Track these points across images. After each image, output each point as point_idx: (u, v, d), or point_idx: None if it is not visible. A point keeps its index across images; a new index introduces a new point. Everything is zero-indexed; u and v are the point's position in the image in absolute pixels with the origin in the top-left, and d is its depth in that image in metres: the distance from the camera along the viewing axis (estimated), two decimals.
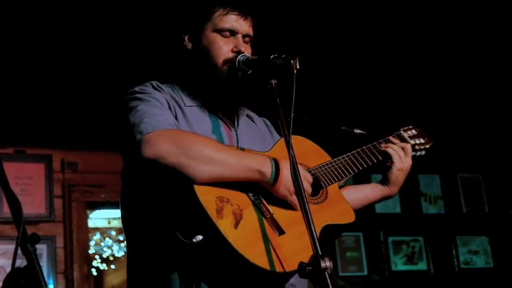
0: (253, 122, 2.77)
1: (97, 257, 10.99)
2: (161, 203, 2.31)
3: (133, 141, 2.29)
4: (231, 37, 2.57)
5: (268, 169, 2.33)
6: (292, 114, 2.21)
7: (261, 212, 2.32)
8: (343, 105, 6.29)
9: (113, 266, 11.30)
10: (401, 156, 2.80)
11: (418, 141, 2.96)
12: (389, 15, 5.39)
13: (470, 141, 7.26)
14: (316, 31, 5.45)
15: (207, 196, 2.24)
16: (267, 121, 2.88)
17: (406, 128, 2.98)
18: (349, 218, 2.54)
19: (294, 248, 2.27)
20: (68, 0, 4.73)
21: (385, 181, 2.83)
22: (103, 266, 11.22)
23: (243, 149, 2.48)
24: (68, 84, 5.60)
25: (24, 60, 5.28)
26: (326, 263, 1.92)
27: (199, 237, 2.17)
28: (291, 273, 2.22)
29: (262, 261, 2.17)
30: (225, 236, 2.16)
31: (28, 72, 5.43)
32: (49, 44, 5.15)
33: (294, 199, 2.34)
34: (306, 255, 2.16)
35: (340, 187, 2.74)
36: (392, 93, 6.49)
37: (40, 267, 2.06)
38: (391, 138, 2.88)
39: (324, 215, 2.45)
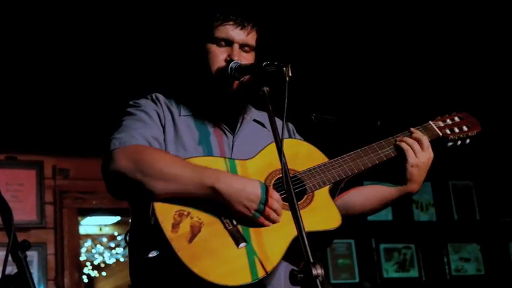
0: (264, 126, 2.74)
1: (88, 264, 10.95)
2: (134, 218, 2.39)
3: (104, 155, 2.38)
4: (226, 47, 2.58)
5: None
6: (284, 121, 2.21)
7: (223, 224, 2.30)
8: (362, 102, 6.24)
9: (104, 273, 11.26)
10: (416, 150, 2.64)
11: (456, 130, 2.77)
12: (390, 19, 5.39)
13: (461, 149, 7.27)
14: (332, 32, 5.44)
15: (165, 210, 2.26)
16: (290, 125, 2.84)
17: (444, 116, 2.81)
18: (331, 224, 2.43)
19: (259, 257, 2.25)
20: (64, 8, 4.71)
21: (401, 180, 2.68)
22: (94, 273, 11.17)
23: (233, 162, 2.45)
24: (60, 90, 5.58)
25: (15, 66, 5.27)
26: (318, 271, 1.91)
27: (155, 253, 2.21)
28: (250, 285, 2.19)
29: (213, 276, 2.16)
30: (175, 250, 2.18)
31: (20, 78, 5.41)
32: (41, 49, 5.14)
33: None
34: (266, 265, 2.19)
35: (351, 187, 2.69)
36: (386, 98, 6.48)
37: (31, 274, 2.06)
38: (411, 129, 2.71)
39: (304, 221, 2.38)
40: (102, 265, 11.02)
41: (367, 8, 5.24)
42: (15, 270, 2.07)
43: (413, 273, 7.27)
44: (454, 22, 5.53)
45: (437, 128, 2.76)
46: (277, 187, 2.43)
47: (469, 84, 6.44)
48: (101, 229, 10.49)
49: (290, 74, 2.27)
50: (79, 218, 6.67)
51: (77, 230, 6.35)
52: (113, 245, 10.80)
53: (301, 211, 2.38)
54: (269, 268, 2.24)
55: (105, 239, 10.82)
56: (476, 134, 2.79)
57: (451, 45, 5.88)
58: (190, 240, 2.22)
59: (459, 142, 2.79)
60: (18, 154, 5.92)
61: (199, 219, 2.28)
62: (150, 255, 2.21)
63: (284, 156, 2.16)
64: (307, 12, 5.17)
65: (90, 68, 5.38)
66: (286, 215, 2.29)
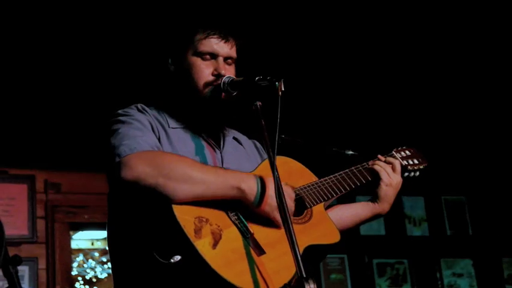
0: (241, 144, 2.78)
1: (80, 278, 10.89)
2: (142, 224, 2.32)
3: (113, 163, 2.32)
4: (211, 60, 2.60)
5: (248, 186, 2.33)
6: (278, 136, 2.23)
7: (241, 232, 2.32)
8: (334, 128, 6.31)
9: None
10: (388, 172, 2.80)
11: (411, 162, 2.96)
12: (378, 35, 5.43)
13: (454, 163, 7.29)
14: (305, 52, 5.48)
15: (185, 216, 2.25)
16: (258, 143, 2.89)
17: (399, 148, 3.00)
18: (333, 238, 2.52)
19: (273, 268, 2.27)
20: (54, 20, 4.72)
21: (375, 198, 2.82)
22: None
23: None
24: (52, 104, 5.58)
25: (6, 80, 5.27)
26: (310, 285, 1.92)
27: (178, 258, 2.17)
28: None
29: (240, 281, 2.17)
30: (203, 255, 2.17)
31: (11, 92, 5.41)
32: (32, 64, 5.15)
33: (277, 216, 2.32)
34: (285, 275, 2.19)
35: (329, 207, 2.75)
36: (379, 116, 6.52)
37: None
38: (379, 156, 2.89)
39: (307, 235, 2.45)
40: (94, 280, 10.96)
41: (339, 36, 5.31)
42: (6, 285, 2.06)
43: None
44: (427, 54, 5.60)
45: (400, 158, 2.95)
46: None
47: (459, 103, 6.48)
48: (92, 243, 10.46)
49: (283, 89, 2.28)
50: (71, 233, 6.65)
51: (69, 244, 6.32)
52: (105, 259, 10.75)
53: (303, 225, 2.51)
54: (286, 277, 2.26)
55: (97, 254, 10.78)
56: (425, 168, 3.01)
57: (434, 69, 5.94)
58: (214, 246, 2.22)
59: (412, 174, 2.98)
60: (10, 168, 5.90)
61: (218, 226, 2.29)
62: (172, 260, 2.17)
63: (277, 172, 2.18)
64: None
65: (83, 81, 5.39)
66: (294, 227, 2.34)
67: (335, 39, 5.40)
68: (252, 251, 2.29)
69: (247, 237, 2.31)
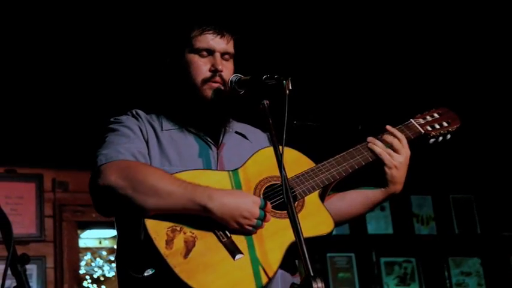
0: (246, 138, 2.75)
1: (88, 277, 10.91)
2: (123, 236, 2.40)
3: (92, 171, 2.39)
4: (208, 56, 2.59)
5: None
6: (286, 134, 2.22)
7: (217, 237, 2.30)
8: (346, 107, 6.24)
9: (103, 287, 11.22)
10: (389, 153, 2.62)
11: (437, 126, 2.77)
12: (389, 23, 5.40)
13: (462, 162, 7.27)
14: (316, 33, 5.45)
15: (157, 227, 2.25)
16: (267, 134, 2.84)
17: (423, 113, 2.81)
18: (323, 229, 2.42)
19: (254, 269, 2.24)
20: (54, 21, 4.74)
21: (383, 182, 2.67)
22: (93, 287, 11.13)
23: (236, 174, 2.46)
24: (59, 103, 5.59)
25: (13, 79, 5.28)
26: (318, 284, 1.91)
27: (150, 271, 2.19)
28: None
29: None
30: (172, 267, 2.17)
31: (19, 91, 5.42)
32: (40, 63, 5.15)
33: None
34: (265, 276, 2.19)
35: (334, 193, 2.69)
36: (365, 99, 6.46)
37: (30, 287, 2.05)
38: (387, 127, 2.71)
39: None
40: (102, 278, 10.97)
41: (347, 20, 5.27)
42: (15, 284, 2.07)
43: (414, 287, 7.25)
44: (436, 27, 5.54)
45: (419, 125, 2.77)
46: (267, 196, 2.44)
47: (466, 101, 6.44)
48: (100, 242, 10.48)
49: (290, 87, 2.27)
50: (78, 231, 6.66)
51: (77, 243, 6.34)
52: (112, 258, 10.76)
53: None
54: (265, 278, 2.23)
55: (104, 252, 10.79)
56: (456, 129, 2.80)
57: (442, 64, 5.90)
58: (186, 255, 2.22)
59: (440, 138, 2.78)
60: (18, 167, 5.92)
61: (193, 233, 2.28)
62: (146, 273, 2.18)
63: (285, 171, 2.18)
64: (287, 22, 5.19)
65: (89, 81, 5.40)
66: (280, 223, 2.33)
67: (345, 19, 5.36)
68: (229, 255, 2.26)
69: (223, 241, 2.29)
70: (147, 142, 2.52)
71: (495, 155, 7.33)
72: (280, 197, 2.42)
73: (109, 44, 5.04)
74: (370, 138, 2.68)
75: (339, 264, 7.00)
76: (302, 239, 2.03)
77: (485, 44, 5.73)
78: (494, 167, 7.48)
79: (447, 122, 2.81)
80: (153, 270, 2.19)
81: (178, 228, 2.27)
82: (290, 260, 2.38)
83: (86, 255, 10.62)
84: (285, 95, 2.26)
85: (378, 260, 7.17)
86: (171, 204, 2.27)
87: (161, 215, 2.28)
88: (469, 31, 5.56)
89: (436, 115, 2.82)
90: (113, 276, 10.83)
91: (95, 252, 10.77)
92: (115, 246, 2.46)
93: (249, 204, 2.30)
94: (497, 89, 6.42)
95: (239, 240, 2.30)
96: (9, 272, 2.06)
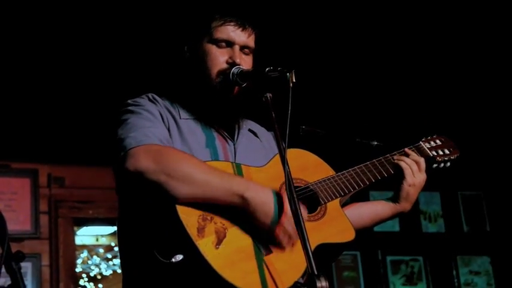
0: (257, 137, 2.77)
1: (84, 275, 10.93)
2: (147, 221, 2.33)
3: (119, 155, 2.33)
4: (227, 48, 2.58)
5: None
6: (289, 129, 2.22)
7: (247, 231, 2.32)
8: (357, 118, 6.29)
9: (100, 286, 11.23)
10: (414, 170, 2.75)
11: (441, 152, 2.90)
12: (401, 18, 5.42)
13: (471, 157, 7.26)
14: (326, 41, 5.47)
15: (188, 214, 2.25)
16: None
17: (428, 138, 2.94)
18: (347, 236, 2.50)
19: (282, 267, 2.27)
20: (58, 11, 4.72)
21: (396, 198, 2.79)
22: (90, 286, 11.15)
23: (239, 168, 2.47)
24: (55, 96, 5.59)
25: (8, 72, 5.28)
26: (322, 283, 1.92)
27: (179, 257, 2.19)
28: None
29: (243, 283, 2.17)
30: (204, 255, 2.18)
31: (13, 84, 5.42)
32: (35, 55, 5.15)
33: (292, 232, 2.30)
34: (293, 274, 2.19)
35: (345, 204, 2.72)
36: (398, 106, 6.50)
37: (25, 286, 2.06)
38: (406, 150, 2.83)
39: (320, 233, 2.43)
40: (99, 277, 10.99)
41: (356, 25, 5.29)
42: (9, 282, 2.07)
43: (421, 286, 7.26)
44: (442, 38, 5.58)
45: (427, 148, 2.89)
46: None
47: (475, 95, 6.46)
48: (97, 239, 10.49)
49: (294, 80, 2.27)
50: (75, 228, 6.67)
51: (73, 240, 6.35)
52: (110, 256, 10.78)
53: (316, 222, 2.48)
54: (292, 278, 2.26)
55: (101, 250, 10.81)
56: (456, 158, 2.93)
57: (449, 60, 5.92)
58: (217, 245, 2.23)
59: (442, 165, 2.92)
60: (12, 162, 5.92)
61: (223, 224, 2.29)
62: (174, 259, 2.18)
63: (288, 165, 2.18)
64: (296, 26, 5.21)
65: (86, 72, 5.39)
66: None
67: (356, 24, 5.38)
68: (259, 250, 2.29)
69: (253, 235, 2.31)
70: (168, 129, 2.50)
71: (505, 150, 7.32)
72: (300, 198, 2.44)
73: (112, 35, 5.03)
74: (405, 150, 2.82)
75: (343, 263, 7.00)
76: (306, 236, 2.03)
77: (494, 43, 5.74)
78: (505, 163, 7.48)
79: (449, 150, 2.94)
80: (182, 257, 2.19)
81: (209, 218, 2.28)
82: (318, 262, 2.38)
83: (82, 253, 10.64)
84: (289, 88, 2.26)
85: (384, 258, 7.18)
86: (206, 194, 2.28)
87: (192, 203, 2.27)
88: (485, 33, 5.59)
89: (438, 142, 2.95)
90: (110, 274, 10.85)
91: (91, 249, 10.78)
92: (112, 244, 2.47)
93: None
94: (507, 84, 6.42)
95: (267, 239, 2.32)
96: (3, 270, 2.07)
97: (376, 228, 7.29)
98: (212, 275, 2.16)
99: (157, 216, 2.28)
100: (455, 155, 2.93)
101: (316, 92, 5.67)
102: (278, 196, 2.34)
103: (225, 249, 2.23)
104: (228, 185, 2.29)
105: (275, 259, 2.29)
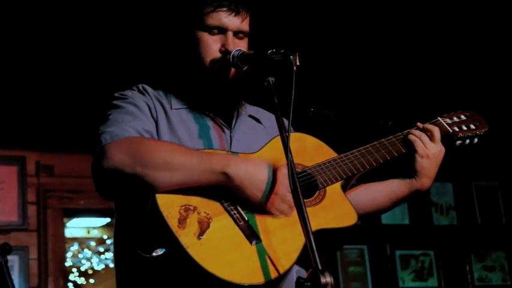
0: (260, 123, 2.77)
1: (74, 270, 10.97)
2: (130, 215, 2.38)
3: (95, 151, 2.37)
4: (220, 35, 2.58)
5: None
6: (293, 115, 2.22)
7: (233, 220, 2.32)
8: (370, 97, 6.29)
9: (92, 280, 11.29)
10: (424, 141, 2.69)
11: (464, 128, 2.84)
12: (397, 15, 5.43)
13: (486, 146, 7.26)
14: (335, 22, 5.48)
15: (169, 205, 2.27)
16: (285, 121, 2.87)
17: (451, 113, 2.87)
18: (348, 220, 2.47)
19: (270, 257, 2.27)
20: (53, 5, 4.75)
21: (411, 174, 2.72)
22: (81, 280, 11.20)
23: (235, 153, 2.48)
24: (44, 81, 5.60)
25: None
26: (327, 279, 1.92)
27: (160, 251, 2.21)
28: (260, 286, 2.21)
29: (227, 273, 2.18)
30: (185, 247, 2.19)
31: (0, 70, 5.43)
32: (24, 44, 5.17)
33: (285, 208, 2.33)
34: (282, 264, 2.21)
35: (354, 186, 2.72)
36: (409, 89, 6.51)
37: (12, 280, 2.07)
38: (418, 124, 2.77)
39: (317, 218, 2.40)
40: (90, 271, 11.04)
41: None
42: None
43: (432, 282, 7.28)
44: (460, 19, 5.58)
45: (447, 124, 2.82)
46: None
47: (489, 82, 6.47)
48: (88, 232, 10.52)
49: (298, 63, 2.27)
50: (65, 220, 6.69)
51: (63, 232, 6.37)
52: (101, 249, 10.82)
53: (314, 207, 2.47)
54: (282, 268, 2.26)
55: (93, 243, 10.84)
56: (484, 133, 2.87)
57: (460, 43, 5.93)
58: (199, 236, 2.24)
59: (467, 141, 2.85)
60: None
61: (207, 214, 2.30)
62: (155, 253, 2.20)
63: (291, 152, 2.18)
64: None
65: (75, 58, 5.41)
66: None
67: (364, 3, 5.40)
68: (245, 240, 2.29)
69: (240, 224, 2.31)
70: (156, 120, 2.53)
71: None
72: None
73: (101, 22, 5.05)
74: (418, 125, 2.75)
75: (349, 257, 7.02)
76: (309, 228, 2.03)
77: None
78: None
79: (475, 125, 2.87)
80: (163, 250, 2.21)
81: (191, 208, 2.29)
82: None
83: (72, 246, 10.68)
84: (292, 71, 2.26)
85: (392, 252, 7.19)
86: (186, 177, 2.29)
87: (173, 191, 2.29)
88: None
89: (463, 117, 2.88)
90: (102, 269, 10.88)
91: (82, 242, 10.82)
92: (104, 237, 2.49)
93: (263, 170, 2.30)
94: None
95: (260, 222, 2.33)
96: None
97: (384, 221, 7.26)
98: (195, 267, 2.17)
99: (139, 209, 2.30)
100: (483, 130, 2.86)
101: (324, 70, 5.66)
102: (269, 167, 2.35)
103: (208, 240, 2.24)
104: (208, 164, 2.30)
105: (264, 248, 2.29)
